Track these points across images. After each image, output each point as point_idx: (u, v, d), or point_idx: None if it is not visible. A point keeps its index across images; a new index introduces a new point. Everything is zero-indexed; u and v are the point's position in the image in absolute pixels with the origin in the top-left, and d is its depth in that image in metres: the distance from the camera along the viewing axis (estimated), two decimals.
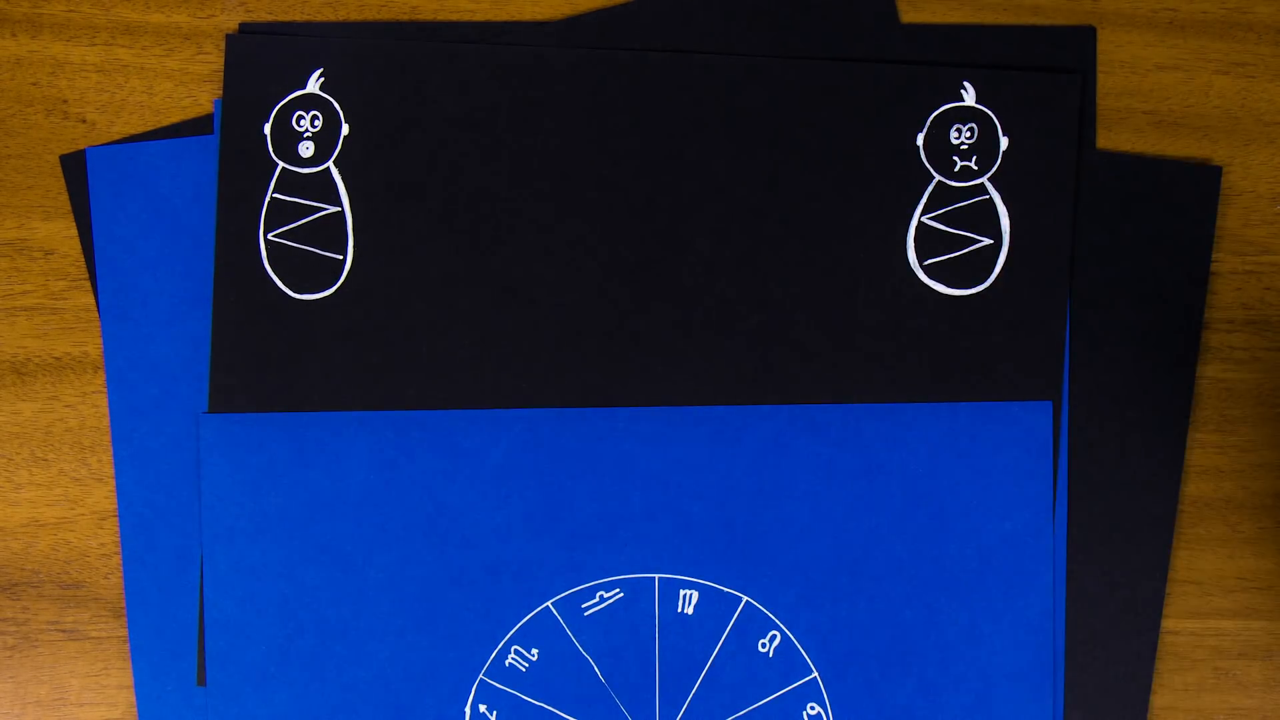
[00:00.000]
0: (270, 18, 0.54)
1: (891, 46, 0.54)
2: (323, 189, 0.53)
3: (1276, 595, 0.55)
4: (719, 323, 0.53)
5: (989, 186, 0.54)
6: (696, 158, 0.53)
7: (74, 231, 0.54)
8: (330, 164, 0.53)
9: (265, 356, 0.53)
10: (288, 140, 0.53)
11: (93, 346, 0.54)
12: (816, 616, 0.53)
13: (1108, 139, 0.55)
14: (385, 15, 0.54)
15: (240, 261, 0.53)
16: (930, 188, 0.54)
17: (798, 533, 0.53)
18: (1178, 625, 0.54)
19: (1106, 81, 0.55)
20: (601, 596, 0.53)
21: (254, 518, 0.53)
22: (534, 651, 0.53)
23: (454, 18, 0.54)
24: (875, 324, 0.53)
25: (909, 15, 0.54)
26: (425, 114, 0.53)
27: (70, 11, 0.54)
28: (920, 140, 0.54)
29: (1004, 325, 0.53)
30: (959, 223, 0.54)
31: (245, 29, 0.54)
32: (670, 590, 0.53)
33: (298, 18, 0.54)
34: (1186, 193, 0.54)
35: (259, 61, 0.53)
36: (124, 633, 0.53)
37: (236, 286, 0.53)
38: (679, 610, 0.53)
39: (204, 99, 0.54)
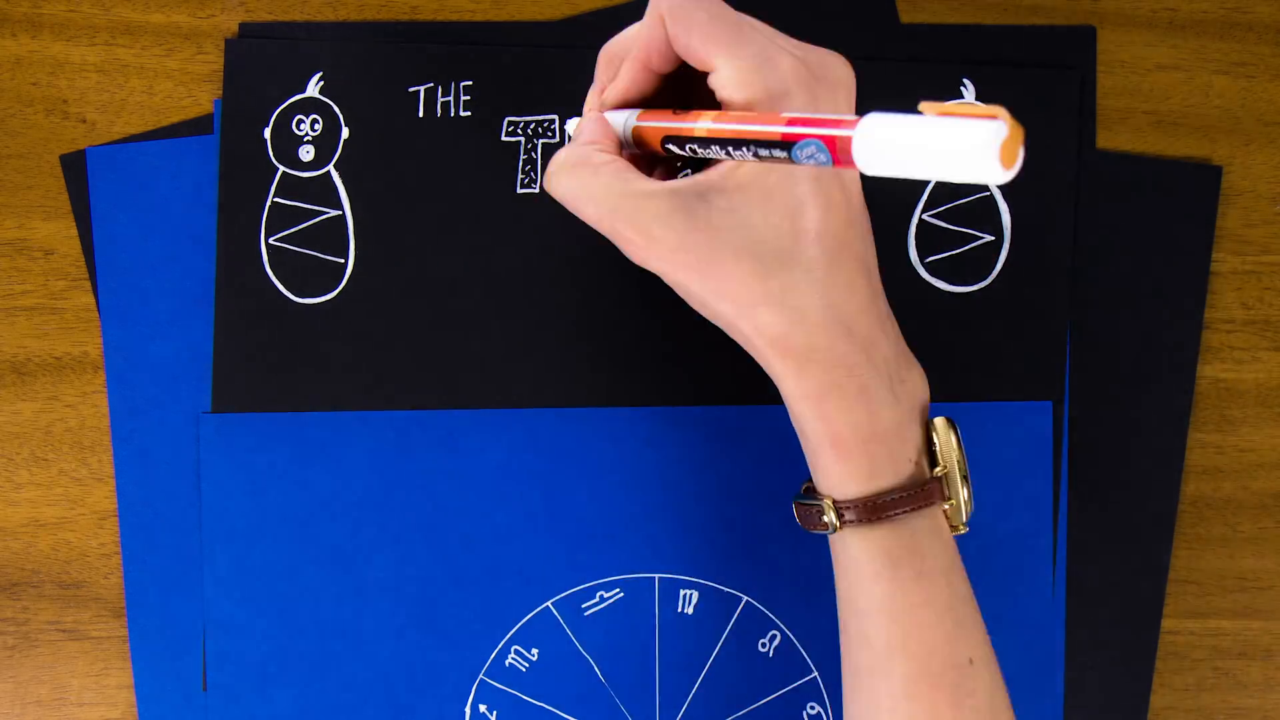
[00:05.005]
0: (270, 17, 0.54)
1: (891, 46, 0.54)
2: (323, 193, 0.53)
3: (1276, 595, 0.55)
4: None
5: (990, 185, 0.54)
6: None
7: (74, 231, 0.54)
8: (331, 168, 0.53)
9: (267, 362, 0.53)
10: (288, 144, 0.53)
11: (93, 346, 0.54)
12: (816, 616, 0.53)
13: (1108, 139, 0.55)
14: (385, 15, 0.54)
15: (242, 266, 0.53)
16: (930, 185, 0.54)
17: (798, 533, 0.53)
18: (1178, 625, 0.54)
19: (1106, 81, 0.55)
20: (601, 596, 0.53)
21: (254, 518, 0.53)
22: (534, 651, 0.53)
23: (454, 18, 0.54)
24: None
25: (909, 15, 0.54)
26: (425, 116, 0.53)
27: (70, 11, 0.54)
28: None
29: (1004, 324, 0.53)
30: (960, 220, 0.54)
31: (245, 29, 0.54)
32: (670, 590, 0.53)
33: (298, 17, 0.54)
34: (1186, 193, 0.54)
35: (258, 66, 0.53)
36: (124, 633, 0.53)
37: (238, 292, 0.53)
38: (679, 610, 0.53)
39: (204, 99, 0.54)
